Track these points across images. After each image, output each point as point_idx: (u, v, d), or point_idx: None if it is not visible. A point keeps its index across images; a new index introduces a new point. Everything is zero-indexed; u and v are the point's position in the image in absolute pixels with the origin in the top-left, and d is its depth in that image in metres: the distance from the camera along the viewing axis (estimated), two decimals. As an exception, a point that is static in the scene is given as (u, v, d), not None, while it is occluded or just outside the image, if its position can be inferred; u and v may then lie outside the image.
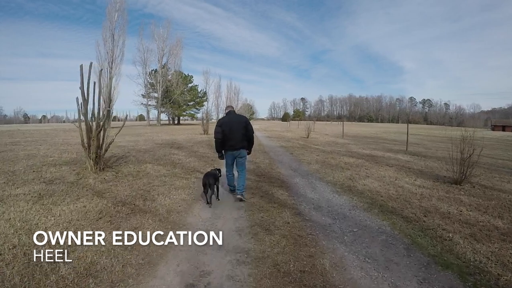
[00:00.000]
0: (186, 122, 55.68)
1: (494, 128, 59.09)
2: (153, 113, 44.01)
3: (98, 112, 5.48)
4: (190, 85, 46.90)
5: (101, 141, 5.56)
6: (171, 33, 39.89)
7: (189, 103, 46.49)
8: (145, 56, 37.60)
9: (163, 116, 45.42)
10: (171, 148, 9.85)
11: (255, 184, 5.01)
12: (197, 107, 48.40)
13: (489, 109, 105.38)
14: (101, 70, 5.72)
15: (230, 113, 4.27)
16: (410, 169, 7.00)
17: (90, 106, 5.47)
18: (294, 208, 3.85)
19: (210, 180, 3.83)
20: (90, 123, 5.44)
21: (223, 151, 4.20)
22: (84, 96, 5.54)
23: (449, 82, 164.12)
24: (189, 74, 46.83)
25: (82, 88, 5.56)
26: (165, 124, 43.28)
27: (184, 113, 46.49)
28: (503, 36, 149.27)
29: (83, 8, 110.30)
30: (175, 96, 40.35)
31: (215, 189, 3.97)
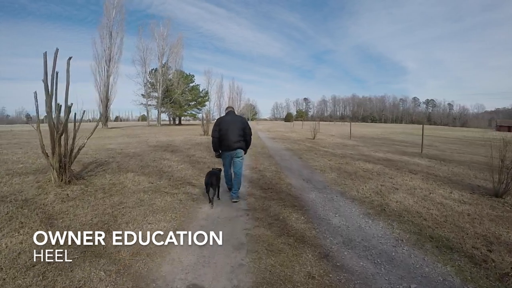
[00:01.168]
0: (188, 122, 54.66)
1: (499, 128, 57.04)
2: (154, 113, 43.12)
3: (64, 110, 4.39)
4: (191, 84, 45.84)
5: (68, 147, 4.48)
6: (171, 31, 38.91)
7: (190, 103, 45.41)
8: (145, 54, 36.58)
9: (164, 116, 44.49)
10: (164, 152, 8.74)
11: (260, 202, 3.87)
12: (198, 107, 47.31)
13: (493, 109, 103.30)
14: (70, 58, 4.62)
15: (230, 113, 4.24)
16: (437, 177, 5.99)
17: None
18: (317, 244, 2.71)
19: (213, 180, 3.77)
20: (54, 122, 4.36)
21: (220, 150, 4.20)
22: (48, 89, 4.47)
23: (450, 82, 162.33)
24: (191, 74, 45.83)
25: (45, 80, 4.49)
26: (166, 125, 42.30)
27: (185, 113, 45.42)
28: (504, 36, 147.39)
29: (87, 9, 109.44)
30: (175, 95, 39.27)
31: (217, 189, 3.97)
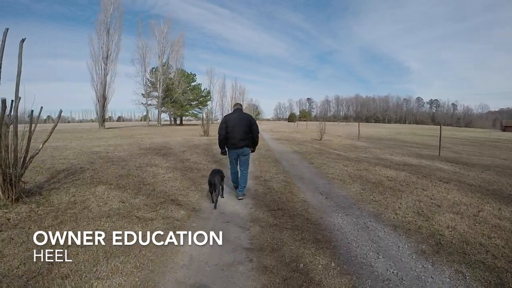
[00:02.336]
0: (190, 122, 53.65)
1: (505, 129, 55.78)
2: (155, 113, 42.21)
3: (14, 106, 3.35)
4: (193, 84, 44.87)
5: (18, 155, 3.44)
6: (172, 29, 37.90)
7: (191, 103, 44.45)
8: (144, 53, 35.59)
9: (165, 116, 43.57)
10: (155, 155, 7.69)
11: (268, 235, 2.75)
12: (200, 106, 46.36)
13: (497, 110, 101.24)
14: (23, 39, 3.58)
15: (237, 110, 4.19)
16: (473, 187, 5.08)
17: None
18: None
19: (216, 179, 3.69)
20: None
21: (226, 148, 4.18)
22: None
23: (454, 82, 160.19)
24: (192, 73, 44.85)
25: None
26: (167, 125, 41.38)
27: (187, 113, 44.45)
28: (507, 36, 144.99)
29: (90, 9, 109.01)
30: (176, 95, 38.27)
31: (221, 188, 3.89)
